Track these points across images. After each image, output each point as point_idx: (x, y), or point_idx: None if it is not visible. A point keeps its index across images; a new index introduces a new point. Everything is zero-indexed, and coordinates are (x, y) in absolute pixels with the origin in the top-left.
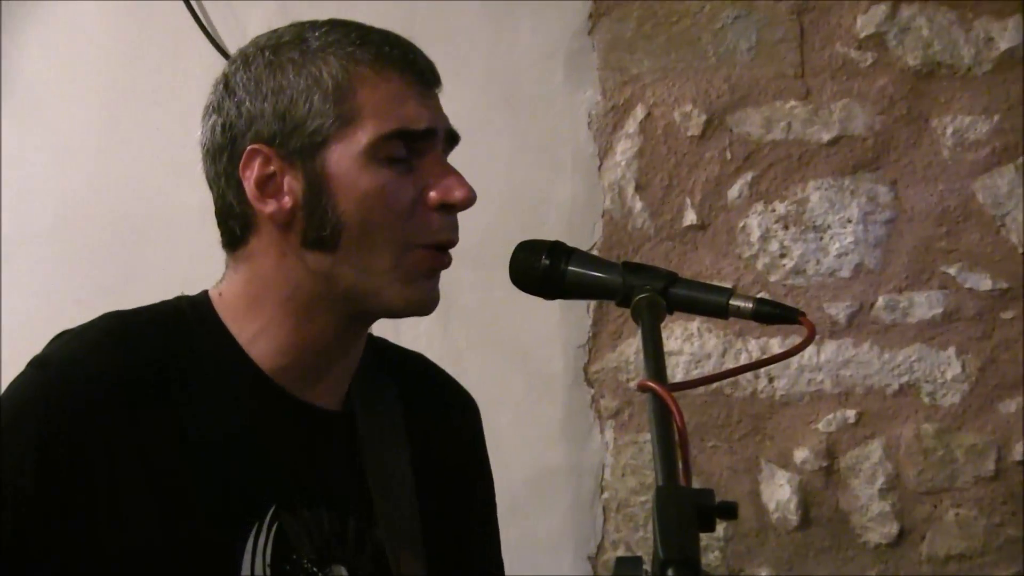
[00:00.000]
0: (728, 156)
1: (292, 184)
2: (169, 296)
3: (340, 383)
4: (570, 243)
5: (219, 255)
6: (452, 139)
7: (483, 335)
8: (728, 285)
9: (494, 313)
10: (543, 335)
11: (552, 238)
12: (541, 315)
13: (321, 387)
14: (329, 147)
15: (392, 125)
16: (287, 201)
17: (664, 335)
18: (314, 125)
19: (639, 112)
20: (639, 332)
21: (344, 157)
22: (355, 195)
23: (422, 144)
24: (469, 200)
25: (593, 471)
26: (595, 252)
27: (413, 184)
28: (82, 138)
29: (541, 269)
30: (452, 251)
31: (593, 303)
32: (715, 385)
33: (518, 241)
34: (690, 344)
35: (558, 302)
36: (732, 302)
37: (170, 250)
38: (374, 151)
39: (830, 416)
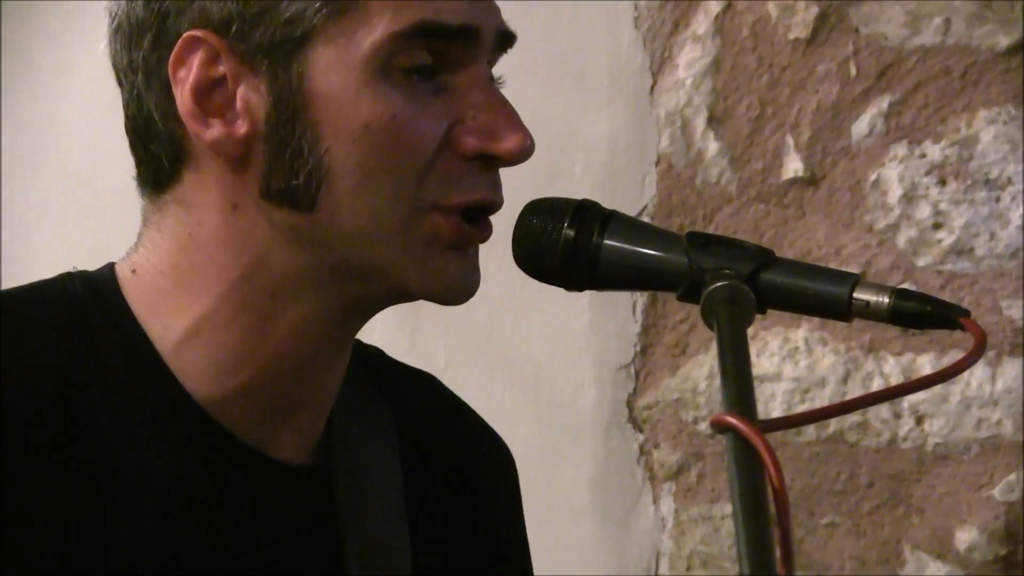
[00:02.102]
0: (852, 71)
1: (251, 99)
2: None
3: (315, 420)
4: (607, 204)
5: None
6: (504, 43)
7: (472, 347)
8: (853, 270)
9: (490, 313)
10: (565, 349)
11: (580, 196)
12: (562, 317)
13: (288, 428)
14: (314, 48)
15: (413, 16)
16: (241, 126)
17: (754, 349)
18: (292, 10)
19: (713, 4)
20: (714, 343)
21: (336, 66)
22: (349, 127)
23: (458, 50)
24: (524, 152)
25: (642, 561)
26: (646, 219)
27: (442, 114)
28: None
29: (562, 243)
30: None
31: (642, 298)
32: (832, 427)
33: (527, 200)
34: (793, 363)
35: (588, 296)
36: (858, 295)
37: None
38: (384, 59)
39: (1011, 477)
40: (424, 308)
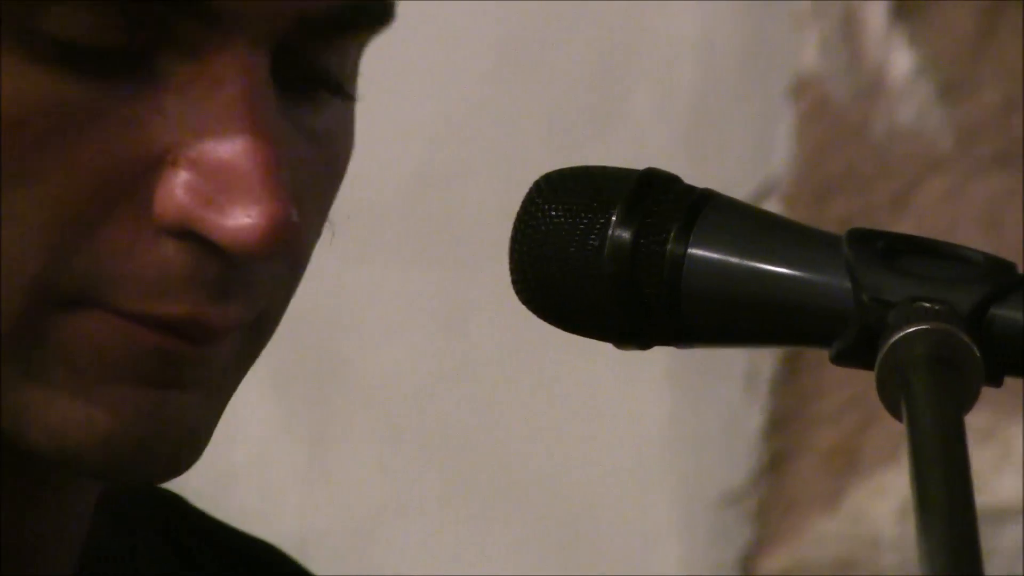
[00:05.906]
0: None
1: None
2: None
3: None
4: (696, 177)
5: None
6: (334, 23)
7: (440, 460)
8: None
9: (473, 389)
10: (621, 464)
11: (641, 161)
12: (614, 400)
13: None
14: None
15: None
16: None
17: (981, 454)
18: None
19: None
20: (906, 443)
21: None
22: None
23: (188, 22)
24: (266, 241)
25: None
26: (773, 206)
27: (134, 132)
28: None
29: (610, 256)
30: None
31: (769, 361)
32: None
33: (540, 169)
34: None
35: (662, 359)
36: None
37: None
38: (18, 15)
39: None
40: (335, 379)
